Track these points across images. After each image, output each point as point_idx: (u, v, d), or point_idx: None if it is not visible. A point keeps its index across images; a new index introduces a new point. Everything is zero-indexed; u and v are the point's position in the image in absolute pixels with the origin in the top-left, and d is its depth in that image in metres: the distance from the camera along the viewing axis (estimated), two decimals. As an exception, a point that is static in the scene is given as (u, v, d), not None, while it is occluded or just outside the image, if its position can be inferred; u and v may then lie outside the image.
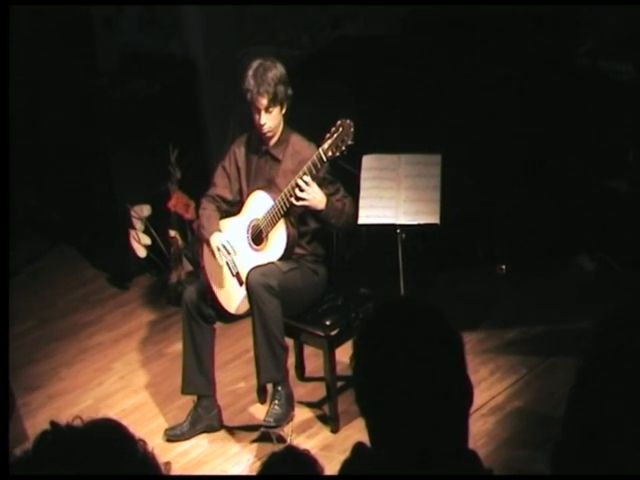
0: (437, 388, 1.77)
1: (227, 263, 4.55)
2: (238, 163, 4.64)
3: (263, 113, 4.42)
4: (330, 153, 4.26)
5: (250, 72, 4.42)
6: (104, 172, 6.07)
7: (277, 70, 4.44)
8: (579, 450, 1.61)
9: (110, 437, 1.55)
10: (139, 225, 5.84)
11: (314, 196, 4.35)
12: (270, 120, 4.44)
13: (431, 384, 1.76)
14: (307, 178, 4.31)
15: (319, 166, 4.31)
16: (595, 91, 5.69)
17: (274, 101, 4.41)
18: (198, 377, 4.62)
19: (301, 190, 4.32)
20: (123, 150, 5.99)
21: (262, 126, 4.45)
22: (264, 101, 4.39)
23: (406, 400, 1.76)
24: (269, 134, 4.50)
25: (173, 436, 4.67)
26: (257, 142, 4.60)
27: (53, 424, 1.55)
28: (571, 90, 5.76)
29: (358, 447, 1.87)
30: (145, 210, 5.84)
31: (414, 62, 6.04)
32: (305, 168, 4.32)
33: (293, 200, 4.35)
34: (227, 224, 4.65)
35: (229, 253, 4.53)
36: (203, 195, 4.74)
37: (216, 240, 4.55)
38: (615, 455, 1.56)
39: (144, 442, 1.57)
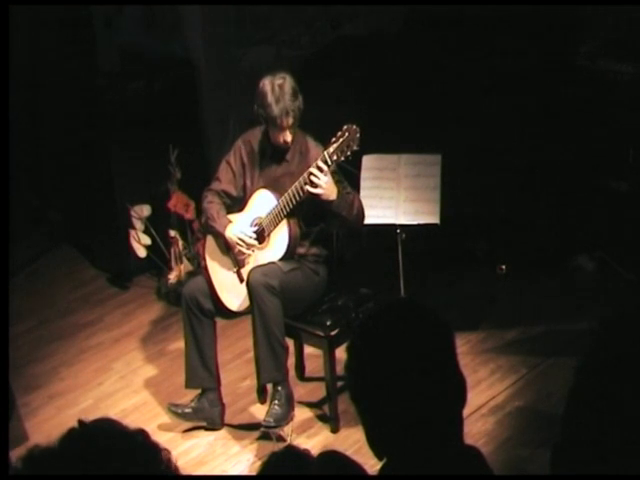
0: (430, 385, 1.78)
1: (233, 259, 4.54)
2: (243, 159, 4.60)
3: (287, 131, 4.40)
4: (335, 157, 4.23)
5: (268, 95, 4.34)
6: (104, 172, 6.07)
7: (289, 84, 4.37)
8: (578, 450, 1.61)
9: (134, 445, 1.52)
10: (139, 225, 5.84)
11: (328, 186, 4.28)
12: (292, 134, 4.43)
13: (423, 382, 1.78)
14: (321, 164, 4.24)
15: (323, 169, 4.28)
16: (595, 91, 5.69)
17: (297, 118, 4.39)
18: (201, 371, 4.61)
19: (315, 176, 4.26)
20: (123, 150, 5.99)
21: (286, 143, 4.43)
22: (289, 121, 4.36)
23: (399, 399, 1.77)
24: (289, 145, 4.48)
25: (174, 411, 4.67)
26: (264, 139, 4.57)
27: (81, 423, 1.52)
28: (571, 90, 5.76)
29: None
30: (145, 210, 5.84)
31: (414, 62, 6.04)
32: (310, 170, 4.30)
33: (308, 187, 4.27)
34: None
35: (254, 240, 4.48)
36: (206, 189, 4.66)
37: (233, 231, 4.50)
38: (614, 455, 1.57)
39: (168, 452, 1.54)
